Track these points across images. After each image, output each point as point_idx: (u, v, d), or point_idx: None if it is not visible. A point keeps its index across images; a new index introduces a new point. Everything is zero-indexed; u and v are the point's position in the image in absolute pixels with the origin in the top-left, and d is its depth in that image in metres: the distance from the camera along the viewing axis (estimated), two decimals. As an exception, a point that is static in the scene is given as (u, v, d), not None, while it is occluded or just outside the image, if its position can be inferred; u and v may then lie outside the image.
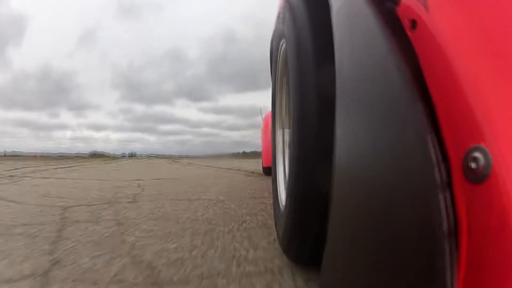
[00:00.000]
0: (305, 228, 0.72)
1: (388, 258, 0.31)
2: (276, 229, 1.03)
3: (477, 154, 0.24)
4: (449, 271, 0.24)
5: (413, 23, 0.34)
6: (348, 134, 0.44)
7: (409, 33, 0.34)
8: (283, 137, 1.30)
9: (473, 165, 0.25)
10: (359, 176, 0.39)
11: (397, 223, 0.31)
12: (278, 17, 1.03)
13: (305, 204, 0.70)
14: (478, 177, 0.24)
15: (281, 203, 1.01)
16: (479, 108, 0.25)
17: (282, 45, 1.02)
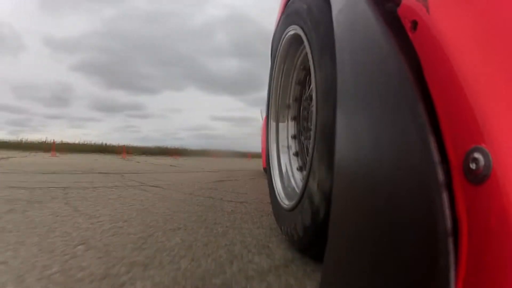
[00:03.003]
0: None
1: (388, 258, 0.31)
2: (279, 224, 0.99)
3: (477, 155, 0.24)
4: (449, 271, 0.24)
5: (414, 24, 0.34)
6: (349, 134, 0.44)
7: (410, 34, 0.34)
8: (276, 130, 1.26)
9: (473, 166, 0.25)
10: (360, 176, 0.39)
11: (398, 224, 0.31)
12: (287, 5, 1.01)
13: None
14: (479, 178, 0.24)
15: (281, 200, 1.00)
16: (479, 109, 0.25)
17: (287, 32, 1.01)
